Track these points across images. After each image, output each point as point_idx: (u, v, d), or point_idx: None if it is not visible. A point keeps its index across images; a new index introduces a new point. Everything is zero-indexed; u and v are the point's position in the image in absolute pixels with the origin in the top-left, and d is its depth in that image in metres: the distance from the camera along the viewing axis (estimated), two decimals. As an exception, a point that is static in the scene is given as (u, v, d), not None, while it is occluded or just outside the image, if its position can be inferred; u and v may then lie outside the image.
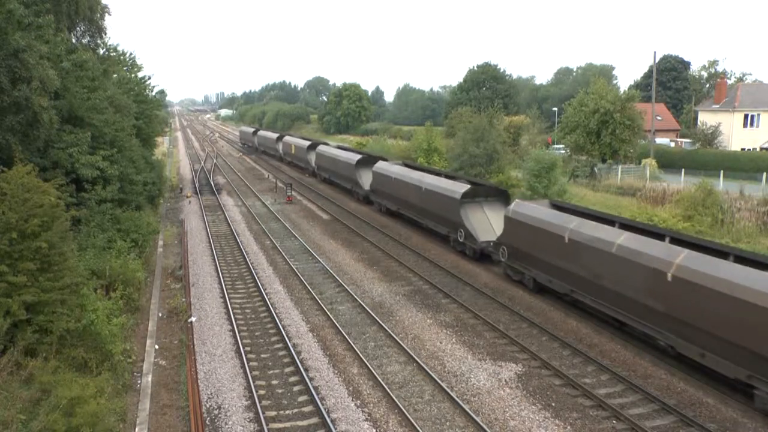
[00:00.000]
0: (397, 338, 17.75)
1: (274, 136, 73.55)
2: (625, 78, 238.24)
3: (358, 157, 41.59)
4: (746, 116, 60.97)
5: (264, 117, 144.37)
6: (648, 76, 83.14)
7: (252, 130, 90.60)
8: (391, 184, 34.08)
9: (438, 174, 31.37)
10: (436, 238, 30.09)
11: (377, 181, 36.53)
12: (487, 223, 26.14)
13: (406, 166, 35.29)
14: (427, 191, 29.21)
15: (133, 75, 40.04)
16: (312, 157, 54.47)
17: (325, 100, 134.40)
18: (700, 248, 16.05)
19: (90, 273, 17.83)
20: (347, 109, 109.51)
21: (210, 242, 29.57)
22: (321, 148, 51.73)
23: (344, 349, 17.21)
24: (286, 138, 67.39)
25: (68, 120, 22.51)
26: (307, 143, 57.68)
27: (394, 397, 14.22)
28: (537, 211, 21.70)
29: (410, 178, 31.48)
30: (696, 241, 16.86)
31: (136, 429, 13.23)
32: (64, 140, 21.45)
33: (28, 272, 13.50)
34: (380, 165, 36.51)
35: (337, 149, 49.31)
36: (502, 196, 27.51)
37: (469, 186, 26.87)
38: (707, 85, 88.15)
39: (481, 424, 13.16)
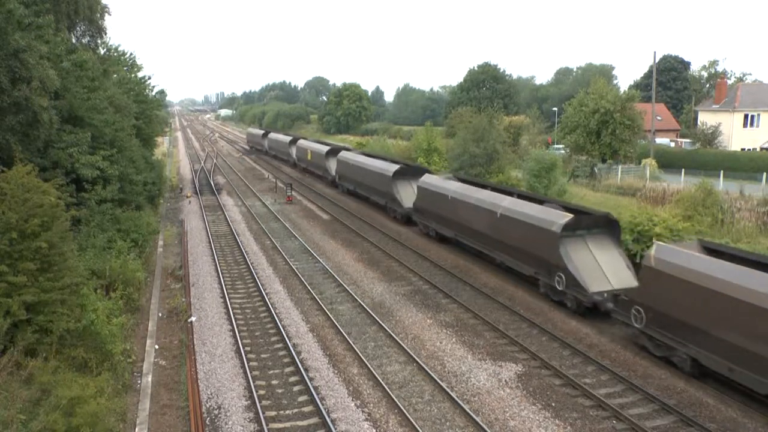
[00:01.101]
0: (397, 338, 17.75)
1: (287, 139, 66.47)
2: (625, 78, 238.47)
3: (396, 167, 35.26)
4: (746, 116, 60.96)
5: (264, 117, 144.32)
6: (648, 76, 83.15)
7: (261, 132, 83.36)
8: (445, 204, 27.85)
9: (515, 194, 25.14)
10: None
11: (425, 199, 30.47)
12: (595, 267, 19.82)
13: (464, 182, 29.55)
14: (505, 218, 22.95)
15: (133, 75, 40.06)
16: (332, 165, 48.38)
17: (325, 100, 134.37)
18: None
19: (90, 273, 17.83)
20: (347, 109, 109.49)
21: (210, 242, 29.57)
22: (344, 155, 45.10)
23: (344, 349, 17.21)
24: (301, 142, 60.42)
25: (68, 120, 22.50)
26: (325, 148, 51.04)
27: (394, 397, 14.23)
28: (696, 261, 15.36)
29: (477, 199, 25.32)
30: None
31: (136, 429, 13.23)
32: (64, 140, 21.45)
33: (28, 272, 13.50)
34: (430, 180, 30.74)
35: (364, 156, 42.20)
36: (609, 227, 21.16)
37: (570, 215, 20.57)
38: (707, 85, 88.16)
39: (481, 424, 13.16)
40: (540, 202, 23.46)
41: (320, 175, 52.04)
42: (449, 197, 27.31)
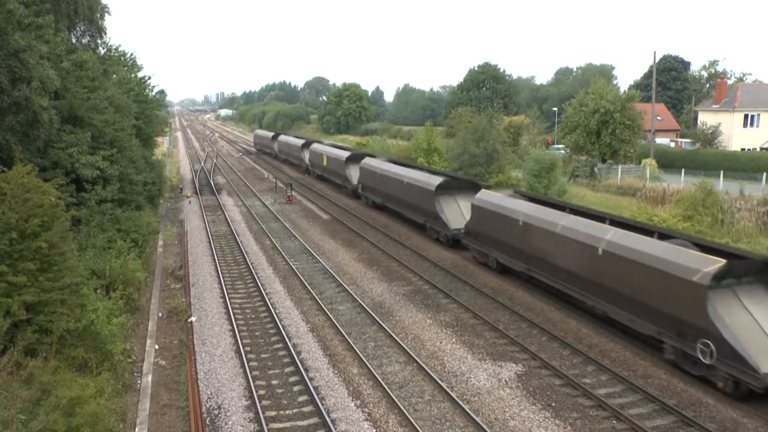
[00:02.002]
0: (397, 338, 17.75)
1: (299, 142, 60.31)
2: (625, 78, 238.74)
3: (439, 180, 28.95)
4: (746, 116, 60.99)
5: (264, 117, 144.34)
6: (648, 76, 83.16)
7: (270, 134, 76.20)
8: (514, 230, 22.23)
9: (606, 221, 19.85)
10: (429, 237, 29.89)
11: (483, 221, 24.52)
12: (759, 333, 14.59)
13: (536, 201, 23.63)
14: (613, 257, 17.32)
15: (133, 75, 40.05)
16: (353, 173, 42.33)
17: (325, 100, 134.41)
18: None
19: (90, 273, 17.83)
20: (347, 109, 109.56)
21: (210, 242, 29.58)
22: (369, 162, 38.55)
23: (344, 349, 17.21)
24: (316, 146, 54.59)
25: (68, 120, 22.51)
26: (345, 154, 44.76)
27: (394, 397, 14.23)
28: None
29: (565, 228, 19.62)
30: None
31: (136, 429, 13.23)
32: (64, 140, 21.45)
33: (28, 272, 13.50)
34: (489, 198, 24.68)
35: (395, 165, 35.43)
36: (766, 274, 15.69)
37: (719, 261, 14.97)
38: (707, 85, 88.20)
39: (481, 424, 13.16)
40: (659, 235, 18.03)
41: (339, 184, 45.86)
42: (520, 222, 21.83)
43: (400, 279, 23.90)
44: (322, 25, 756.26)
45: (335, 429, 13.07)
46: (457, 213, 28.33)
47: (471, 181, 30.97)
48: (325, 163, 48.74)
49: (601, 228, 18.68)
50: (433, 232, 29.75)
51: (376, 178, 36.45)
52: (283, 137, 69.26)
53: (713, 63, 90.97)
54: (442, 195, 28.65)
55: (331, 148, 50.78)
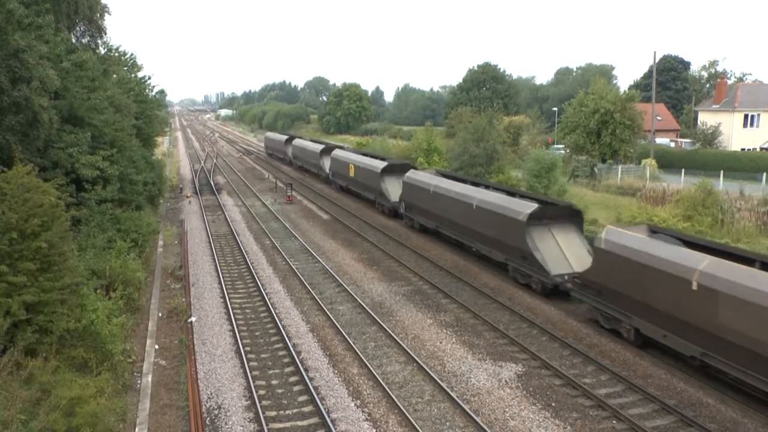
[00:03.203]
0: (397, 338, 17.75)
1: (317, 148, 52.39)
2: (625, 78, 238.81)
3: (532, 207, 21.89)
4: (746, 116, 60.99)
5: (264, 117, 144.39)
6: (648, 76, 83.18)
7: (283, 137, 67.89)
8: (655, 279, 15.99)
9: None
10: (433, 236, 29.71)
11: (614, 270, 17.52)
12: None
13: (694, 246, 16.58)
14: None
15: (133, 75, 40.03)
16: (391, 188, 35.01)
17: (325, 100, 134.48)
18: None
19: (90, 273, 17.82)
20: (347, 109, 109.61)
21: (210, 242, 29.58)
22: (415, 177, 31.45)
23: (344, 349, 17.21)
24: (338, 153, 46.03)
25: (68, 120, 22.51)
26: (379, 165, 36.44)
27: (394, 397, 14.22)
28: None
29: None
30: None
31: (136, 429, 13.22)
32: (64, 140, 21.45)
33: (28, 272, 13.50)
34: (627, 239, 17.38)
35: (451, 182, 28.41)
36: None
37: None
38: (707, 85, 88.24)
39: (481, 424, 13.16)
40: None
41: (371, 200, 38.47)
42: (694, 283, 14.70)
43: (400, 279, 23.90)
44: (322, 25, 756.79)
45: (335, 429, 13.07)
46: (555, 252, 21.33)
47: (571, 207, 22.93)
48: (352, 174, 41.10)
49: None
50: (521, 275, 22.38)
51: (427, 197, 29.39)
52: (298, 141, 61.80)
53: (713, 63, 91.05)
54: (535, 226, 21.82)
55: (359, 156, 42.33)
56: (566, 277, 20.11)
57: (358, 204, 40.47)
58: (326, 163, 49.12)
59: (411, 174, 32.32)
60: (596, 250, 18.42)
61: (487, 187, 27.28)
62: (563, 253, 21.41)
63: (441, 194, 27.93)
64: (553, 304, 20.76)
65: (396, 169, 35.86)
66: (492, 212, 23.71)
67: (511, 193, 25.45)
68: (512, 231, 22.28)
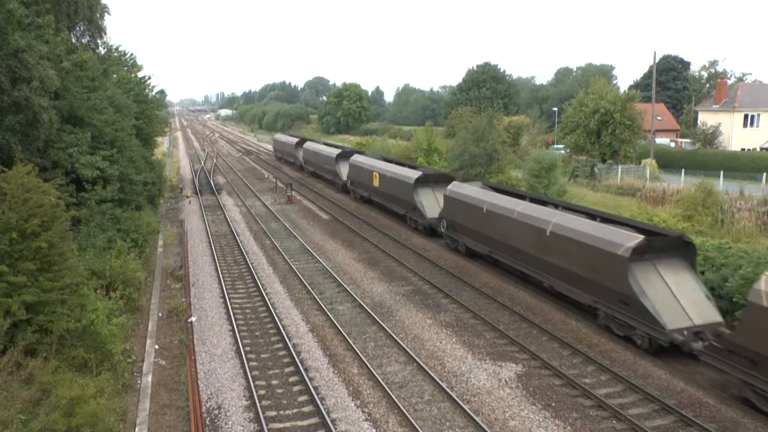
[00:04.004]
0: (397, 338, 17.75)
1: (332, 153, 47.13)
2: (625, 78, 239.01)
3: (636, 239, 17.08)
4: (746, 116, 61.03)
5: (264, 117, 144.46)
6: (648, 76, 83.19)
7: (294, 140, 62.31)
8: None
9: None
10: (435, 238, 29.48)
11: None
12: None
13: None
14: None
15: (133, 75, 40.05)
16: (427, 202, 30.37)
17: (325, 100, 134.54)
18: None
19: (90, 273, 17.83)
20: (347, 109, 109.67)
21: (210, 242, 29.58)
22: (459, 190, 26.55)
23: (344, 349, 17.21)
24: (358, 159, 40.85)
25: (68, 120, 22.51)
26: (412, 175, 31.33)
27: (394, 397, 14.22)
28: None
29: None
30: None
31: (136, 429, 13.22)
32: (64, 140, 21.44)
33: (28, 272, 13.49)
34: None
35: (508, 198, 23.78)
36: None
37: None
38: (707, 85, 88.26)
39: (481, 424, 13.16)
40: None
41: (401, 215, 33.53)
42: None
43: (400, 279, 23.89)
44: (322, 25, 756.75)
45: (335, 429, 13.07)
46: (668, 299, 16.84)
47: (681, 239, 18.09)
48: (375, 184, 36.04)
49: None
50: (618, 325, 17.78)
51: (477, 216, 24.58)
52: (310, 145, 55.89)
53: (713, 63, 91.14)
54: (638, 262, 17.13)
55: (385, 164, 36.45)
56: (685, 333, 15.92)
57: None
58: (343, 170, 44.25)
59: (455, 187, 27.11)
60: (752, 306, 13.66)
61: (556, 206, 22.21)
62: (677, 299, 16.80)
63: (498, 214, 22.98)
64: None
65: (431, 179, 31.08)
66: (576, 242, 18.78)
67: (592, 216, 20.37)
68: (607, 268, 17.47)
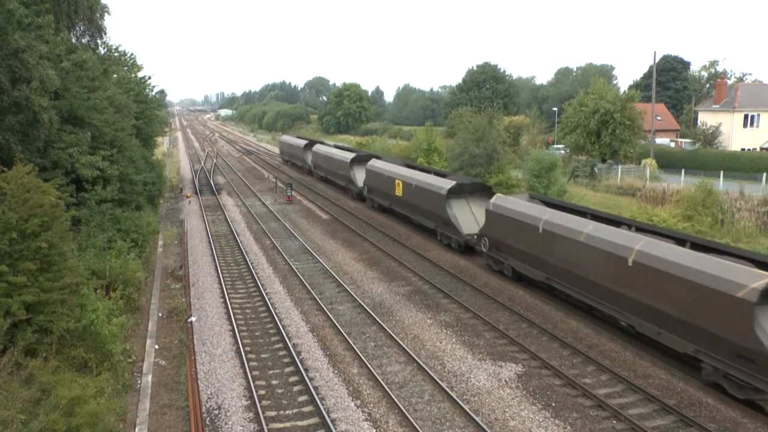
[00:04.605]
0: (397, 338, 17.75)
1: (347, 157, 43.20)
2: (625, 78, 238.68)
3: (765, 280, 13.19)
4: (746, 116, 61.01)
5: (264, 117, 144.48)
6: (648, 76, 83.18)
7: (302, 143, 58.30)
8: None
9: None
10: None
11: None
12: None
13: None
14: None
15: (133, 75, 40.05)
16: (460, 216, 26.84)
17: (325, 100, 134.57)
18: None
19: (90, 273, 17.83)
20: (347, 109, 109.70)
21: (210, 242, 29.58)
22: (505, 204, 23.02)
23: (344, 349, 17.21)
24: (376, 164, 36.92)
25: (68, 120, 22.51)
26: (445, 184, 27.76)
27: (394, 397, 14.22)
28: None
29: None
30: None
31: (136, 429, 13.22)
32: (64, 140, 21.45)
33: (28, 272, 13.49)
34: None
35: (570, 216, 20.12)
36: None
37: None
38: (707, 85, 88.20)
39: (481, 424, 13.16)
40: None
41: (430, 229, 30.07)
42: None
43: (400, 279, 23.89)
44: (322, 25, 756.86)
45: (335, 429, 13.06)
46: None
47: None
48: (398, 193, 32.53)
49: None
50: (738, 387, 14.12)
51: (529, 236, 21.17)
52: (320, 148, 51.87)
53: (713, 63, 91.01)
54: (766, 307, 13.44)
55: (409, 171, 32.91)
56: None
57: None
58: (358, 176, 40.71)
59: (500, 201, 23.64)
60: None
61: (629, 226, 18.77)
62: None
63: (560, 236, 19.52)
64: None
65: (465, 189, 27.79)
66: (674, 277, 15.18)
67: (681, 240, 16.79)
68: (721, 313, 14.03)
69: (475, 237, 25.27)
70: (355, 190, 41.27)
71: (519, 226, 21.80)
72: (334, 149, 49.44)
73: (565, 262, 19.34)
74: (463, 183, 28.03)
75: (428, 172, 32.24)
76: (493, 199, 24.23)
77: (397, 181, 32.66)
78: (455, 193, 27.36)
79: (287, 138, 68.35)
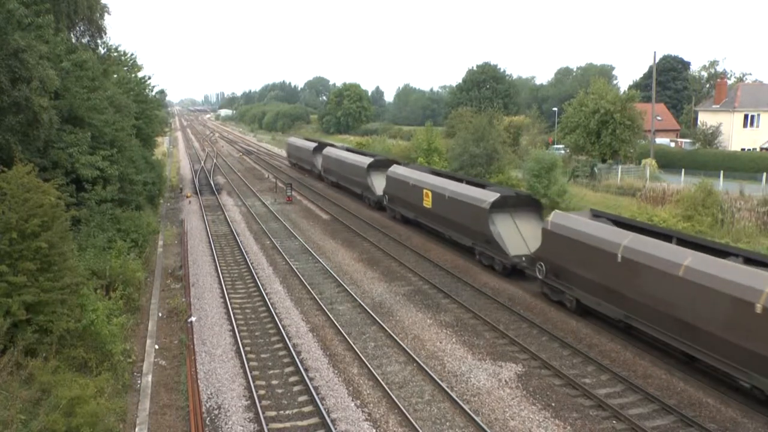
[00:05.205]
0: (397, 338, 17.74)
1: (363, 162, 39.36)
2: (625, 78, 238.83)
3: None
4: (746, 116, 60.99)
5: (264, 117, 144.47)
6: (648, 76, 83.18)
7: (311, 145, 54.53)
8: None
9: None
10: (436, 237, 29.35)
11: None
12: None
13: None
14: None
15: (133, 75, 40.04)
16: (505, 235, 23.63)
17: (325, 100, 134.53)
18: None
19: (90, 273, 17.83)
20: (347, 109, 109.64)
21: (210, 242, 29.57)
22: (569, 224, 19.68)
23: (344, 349, 17.21)
24: (398, 171, 33.58)
25: (68, 120, 22.51)
26: (488, 197, 24.40)
27: (394, 397, 14.22)
28: None
29: None
30: None
31: (136, 429, 13.22)
32: (64, 140, 21.46)
33: (28, 272, 13.49)
34: None
35: (647, 239, 16.91)
36: None
37: None
38: (707, 85, 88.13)
39: (481, 424, 13.16)
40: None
41: (467, 247, 26.47)
42: None
43: (400, 279, 23.89)
44: (322, 25, 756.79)
45: (335, 429, 13.06)
46: None
47: None
48: (427, 204, 29.19)
49: None
50: None
51: (602, 262, 17.87)
52: (331, 151, 47.98)
53: (713, 63, 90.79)
54: None
55: (439, 180, 29.42)
56: None
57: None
58: (376, 183, 37.33)
59: (560, 219, 20.29)
60: None
61: (736, 255, 15.58)
62: None
63: (648, 266, 16.09)
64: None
65: (510, 202, 24.40)
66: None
67: (762, 263, 14.66)
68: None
69: (524, 259, 22.28)
70: (373, 199, 37.93)
71: (588, 250, 18.34)
72: (347, 153, 45.79)
73: (656, 300, 15.87)
74: (507, 195, 24.57)
75: (460, 180, 29.03)
76: (551, 217, 20.83)
77: (425, 190, 29.25)
78: (499, 206, 23.94)
79: (295, 140, 63.93)
